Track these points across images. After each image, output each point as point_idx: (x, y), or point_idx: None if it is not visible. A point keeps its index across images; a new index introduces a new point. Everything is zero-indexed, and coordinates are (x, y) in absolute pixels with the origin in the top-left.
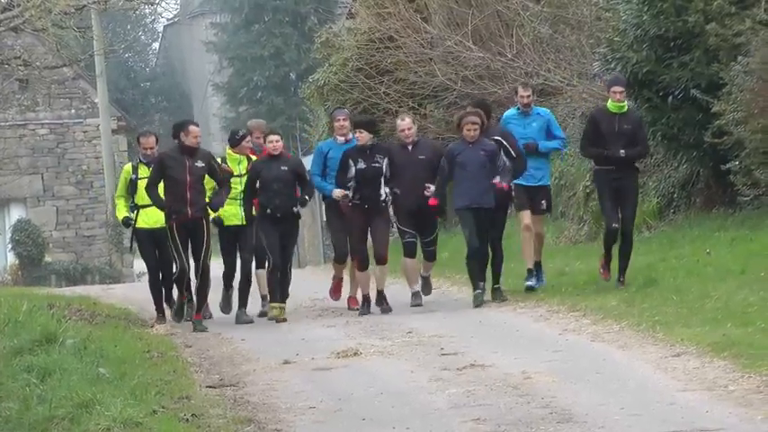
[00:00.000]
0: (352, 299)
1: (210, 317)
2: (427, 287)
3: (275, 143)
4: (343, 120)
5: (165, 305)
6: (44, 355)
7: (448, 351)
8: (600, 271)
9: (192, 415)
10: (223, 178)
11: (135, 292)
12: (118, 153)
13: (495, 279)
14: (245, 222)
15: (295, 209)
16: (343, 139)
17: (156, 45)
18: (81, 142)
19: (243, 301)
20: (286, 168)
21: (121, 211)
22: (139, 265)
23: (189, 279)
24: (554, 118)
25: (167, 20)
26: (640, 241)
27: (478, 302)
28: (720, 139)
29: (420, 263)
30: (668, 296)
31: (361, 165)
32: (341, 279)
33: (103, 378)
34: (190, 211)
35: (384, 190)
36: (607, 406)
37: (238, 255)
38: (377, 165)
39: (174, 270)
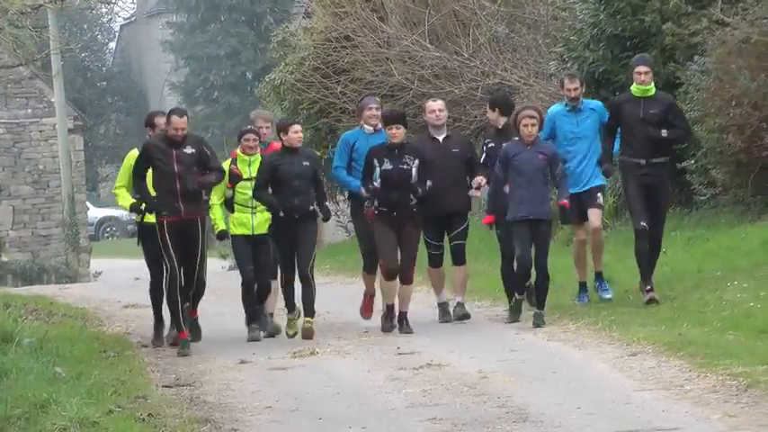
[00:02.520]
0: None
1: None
2: (463, 312)
3: (299, 134)
4: (376, 108)
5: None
6: (0, 355)
7: (404, 350)
8: (642, 293)
9: (149, 414)
10: (217, 167)
11: (91, 291)
12: (74, 152)
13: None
14: (255, 231)
15: (312, 207)
16: (371, 129)
17: (112, 44)
18: (37, 141)
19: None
20: (308, 164)
21: (126, 199)
22: (96, 264)
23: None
24: (606, 111)
25: (124, 19)
26: None
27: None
28: None
29: (444, 274)
30: (624, 295)
31: (387, 165)
32: (372, 295)
33: (60, 378)
34: (182, 208)
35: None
36: (563, 405)
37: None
38: (405, 167)
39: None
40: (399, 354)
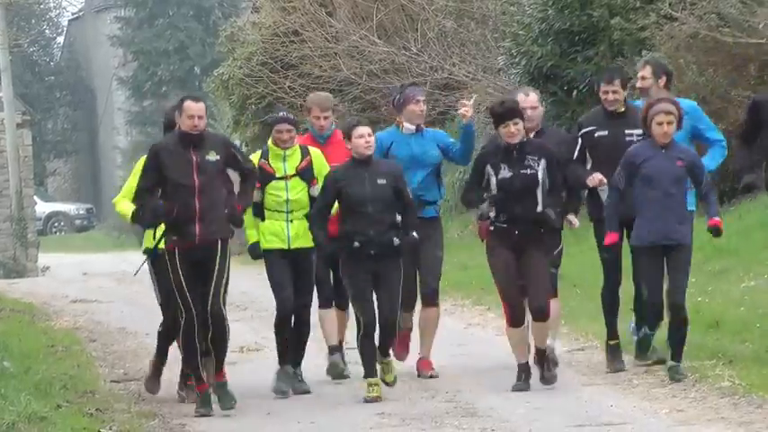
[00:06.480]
0: (424, 361)
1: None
2: (550, 360)
3: (368, 138)
4: (424, 101)
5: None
6: None
7: (353, 345)
8: None
9: (97, 409)
10: (250, 168)
11: (39, 286)
12: (22, 147)
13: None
14: (293, 245)
15: (396, 240)
16: (413, 127)
17: (60, 39)
18: None
19: (293, 356)
20: (385, 182)
21: (128, 207)
22: (44, 259)
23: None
24: (701, 110)
25: (72, 14)
26: None
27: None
28: None
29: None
30: (573, 290)
31: (505, 173)
32: (409, 329)
33: (8, 372)
34: (198, 231)
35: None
36: (512, 400)
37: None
38: (529, 171)
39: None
40: (347, 348)
